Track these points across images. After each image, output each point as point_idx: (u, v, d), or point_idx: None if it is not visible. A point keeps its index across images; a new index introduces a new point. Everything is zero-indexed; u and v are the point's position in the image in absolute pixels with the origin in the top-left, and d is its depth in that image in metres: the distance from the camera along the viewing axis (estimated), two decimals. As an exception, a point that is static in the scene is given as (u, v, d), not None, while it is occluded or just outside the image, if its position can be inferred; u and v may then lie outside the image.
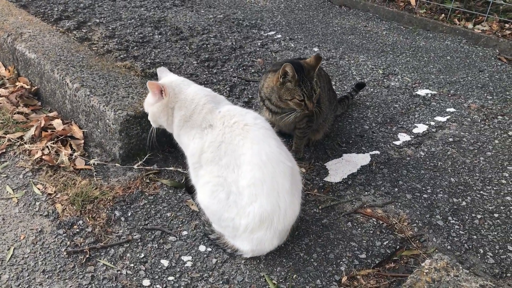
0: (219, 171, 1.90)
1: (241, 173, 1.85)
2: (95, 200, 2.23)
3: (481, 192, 2.48)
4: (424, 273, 1.57)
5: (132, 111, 2.42)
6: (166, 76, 2.18)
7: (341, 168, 2.59)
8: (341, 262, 2.00)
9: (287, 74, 2.24)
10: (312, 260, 2.00)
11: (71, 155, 2.49)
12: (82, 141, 2.60)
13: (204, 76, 3.43)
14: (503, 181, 2.56)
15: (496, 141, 2.93)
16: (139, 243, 2.05)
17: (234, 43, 4.05)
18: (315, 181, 2.47)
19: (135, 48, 3.76)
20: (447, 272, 1.58)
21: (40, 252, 1.97)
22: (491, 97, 3.47)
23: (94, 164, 2.46)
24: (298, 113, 2.34)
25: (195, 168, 2.02)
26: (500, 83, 3.71)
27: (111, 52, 3.63)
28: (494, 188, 2.51)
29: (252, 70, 3.61)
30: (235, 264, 1.96)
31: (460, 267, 1.61)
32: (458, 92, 3.52)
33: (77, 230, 2.08)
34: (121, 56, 3.58)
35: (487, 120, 3.17)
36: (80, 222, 2.12)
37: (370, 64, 3.90)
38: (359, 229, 2.18)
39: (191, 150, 2.00)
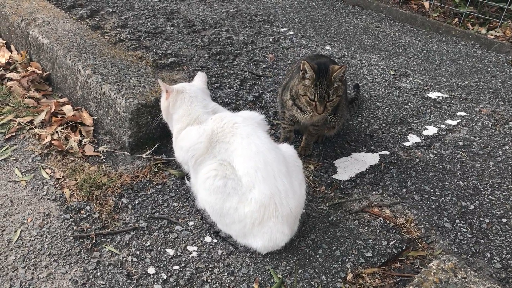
0: (215, 166, 1.95)
1: (235, 166, 1.92)
2: (103, 187, 2.23)
3: (490, 196, 2.46)
4: (432, 274, 1.56)
5: (143, 100, 2.41)
6: (194, 81, 2.32)
7: (349, 166, 2.58)
8: (347, 260, 1.99)
9: (306, 71, 2.24)
10: (317, 256, 1.99)
11: (80, 141, 2.49)
12: (92, 128, 2.61)
13: (215, 69, 3.43)
14: (512, 187, 2.55)
15: (507, 147, 2.91)
16: (146, 231, 2.04)
17: (246, 38, 4.04)
18: (323, 178, 2.46)
19: (147, 38, 3.76)
20: (455, 274, 1.57)
21: (46, 236, 1.97)
22: (502, 103, 3.45)
23: (103, 151, 2.46)
24: (309, 113, 2.33)
25: (195, 170, 2.07)
26: (512, 89, 3.68)
27: (123, 41, 3.63)
28: (503, 193, 2.49)
29: (263, 66, 3.60)
30: (241, 257, 1.96)
31: (468, 269, 1.60)
32: (470, 96, 3.50)
33: (84, 215, 2.08)
34: (133, 46, 3.58)
35: (498, 126, 3.15)
36: (88, 207, 2.12)
37: (382, 64, 3.88)
38: (366, 228, 2.17)
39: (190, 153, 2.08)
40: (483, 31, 4.87)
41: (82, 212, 2.10)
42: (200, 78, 2.34)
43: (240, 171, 1.91)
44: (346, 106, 2.69)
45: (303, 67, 2.25)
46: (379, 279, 1.90)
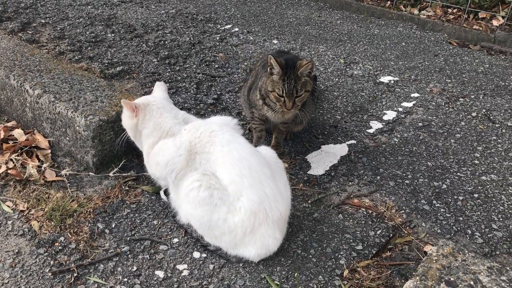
0: (198, 177, 1.88)
1: (218, 176, 1.86)
2: (74, 214, 2.08)
3: (458, 174, 2.54)
4: (434, 261, 1.58)
5: (104, 116, 2.28)
6: (154, 92, 2.21)
7: (322, 160, 2.58)
8: (340, 256, 1.98)
9: (272, 67, 2.20)
10: (310, 256, 1.97)
11: (39, 167, 2.32)
12: (49, 150, 2.43)
13: (167, 74, 3.31)
14: (476, 162, 2.65)
15: (463, 123, 3.02)
16: (129, 255, 1.93)
17: (192, 38, 3.94)
18: (299, 175, 2.44)
19: (89, 48, 3.56)
20: (455, 258, 1.59)
21: (21, 276, 1.81)
22: (449, 80, 3.58)
23: (66, 174, 2.30)
24: (279, 110, 2.29)
25: (175, 185, 1.98)
26: (455, 66, 3.83)
27: (64, 53, 3.42)
28: (469, 169, 2.58)
29: (216, 66, 3.52)
30: (234, 268, 1.89)
31: (466, 251, 1.63)
32: (419, 77, 3.61)
33: (60, 247, 1.93)
34: (76, 57, 3.38)
35: (450, 103, 3.26)
36: (62, 238, 1.97)
37: (331, 54, 3.91)
38: (351, 220, 2.17)
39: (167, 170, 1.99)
40: (416, 11, 5.04)
41: (57, 244, 1.95)
42: (160, 88, 2.23)
43: (225, 180, 1.85)
44: (312, 101, 2.68)
45: (269, 62, 2.22)
46: (375, 271, 1.91)
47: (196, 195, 1.85)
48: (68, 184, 2.26)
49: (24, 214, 2.08)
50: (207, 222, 1.87)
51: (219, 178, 1.86)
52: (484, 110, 3.18)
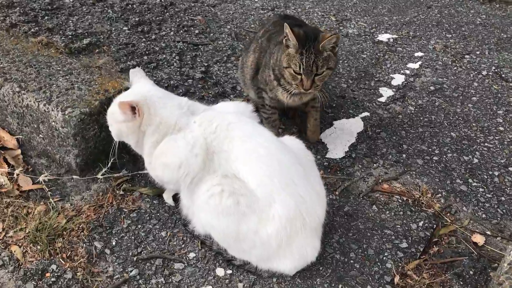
0: (218, 180, 1.56)
1: (243, 178, 1.54)
2: (64, 232, 1.70)
3: (486, 144, 2.31)
4: (518, 269, 1.34)
5: (85, 107, 1.87)
6: (138, 82, 1.76)
7: (338, 139, 2.28)
8: (385, 258, 1.72)
9: (287, 37, 1.85)
10: (351, 261, 1.70)
11: (10, 173, 1.90)
12: (19, 151, 2.01)
13: (143, 44, 2.86)
14: (501, 128, 2.43)
15: (475, 84, 2.78)
16: (140, 280, 1.59)
17: (162, 0, 3.46)
18: (318, 161, 2.13)
19: (46, 18, 3.03)
20: (540, 263, 1.36)
21: (9, 322, 1.46)
22: (450, 35, 3.32)
23: (45, 181, 1.89)
24: (295, 91, 1.95)
25: (190, 190, 1.64)
26: (452, 19, 3.56)
27: (17, 26, 2.89)
28: (496, 137, 2.36)
29: (196, 31, 3.09)
30: (267, 285, 1.60)
31: (549, 253, 1.40)
32: (418, 33, 3.32)
33: (53, 279, 1.57)
34: (32, 30, 2.85)
35: (456, 61, 3.01)
36: (53, 266, 1.60)
37: (319, 10, 3.55)
38: (387, 212, 1.91)
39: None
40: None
41: (48, 274, 1.58)
42: (140, 74, 1.77)
43: (251, 182, 1.53)
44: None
45: (285, 32, 1.86)
46: (427, 273, 1.66)
47: (218, 203, 1.52)
48: (49, 192, 1.86)
49: (1, 238, 1.69)
50: (233, 234, 1.56)
51: (243, 181, 1.53)
52: (493, 68, 2.94)
